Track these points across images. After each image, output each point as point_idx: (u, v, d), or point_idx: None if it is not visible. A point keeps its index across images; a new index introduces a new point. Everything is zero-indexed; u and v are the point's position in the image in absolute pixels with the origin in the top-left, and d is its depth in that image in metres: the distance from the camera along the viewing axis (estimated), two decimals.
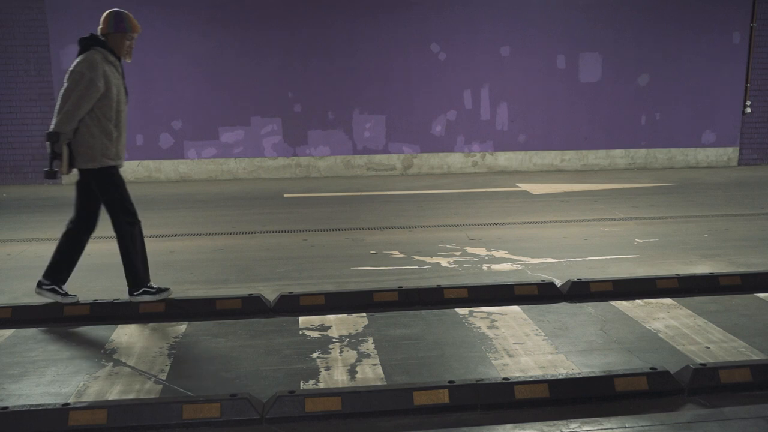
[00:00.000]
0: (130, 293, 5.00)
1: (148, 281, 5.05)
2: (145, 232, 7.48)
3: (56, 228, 7.78)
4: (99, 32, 4.86)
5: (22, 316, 4.81)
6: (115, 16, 4.83)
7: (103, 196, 4.89)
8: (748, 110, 12.67)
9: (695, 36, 12.28)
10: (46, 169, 4.66)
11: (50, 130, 4.65)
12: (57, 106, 4.66)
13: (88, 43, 4.79)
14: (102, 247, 6.91)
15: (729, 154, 12.85)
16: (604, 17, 12.05)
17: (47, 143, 4.67)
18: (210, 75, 11.40)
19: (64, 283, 5.02)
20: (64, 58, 11.02)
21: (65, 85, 4.66)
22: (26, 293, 5.41)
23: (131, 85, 11.21)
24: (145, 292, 4.98)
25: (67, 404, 3.34)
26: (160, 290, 5.03)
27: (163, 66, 11.27)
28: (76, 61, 4.71)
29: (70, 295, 5.01)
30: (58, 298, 4.95)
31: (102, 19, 4.85)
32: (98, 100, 4.68)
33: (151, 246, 6.95)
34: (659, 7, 12.16)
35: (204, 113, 11.48)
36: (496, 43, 11.92)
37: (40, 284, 4.98)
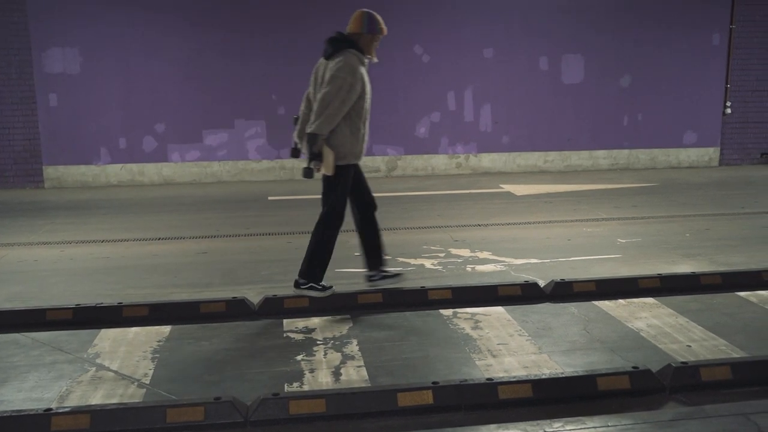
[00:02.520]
0: (296, 284, 5.02)
1: (321, 280, 5.04)
2: (127, 236, 7.50)
3: (39, 233, 7.74)
4: (348, 32, 4.94)
5: (4, 321, 4.76)
6: (368, 18, 4.93)
7: (329, 187, 4.99)
8: (729, 111, 12.79)
9: (676, 37, 12.39)
10: (304, 167, 4.85)
11: (310, 132, 4.74)
12: (316, 108, 4.74)
13: (340, 45, 4.86)
14: (85, 251, 6.87)
15: (710, 154, 12.98)
16: (586, 19, 12.13)
17: (306, 144, 4.81)
18: (193, 78, 11.36)
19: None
20: (46, 61, 10.94)
21: (326, 88, 4.71)
22: (8, 298, 5.37)
23: (112, 87, 11.18)
24: (311, 287, 5.00)
25: (50, 410, 3.32)
26: (325, 288, 5.05)
27: (146, 68, 11.22)
28: (338, 65, 4.74)
29: (398, 274, 5.26)
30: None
31: (353, 19, 4.95)
32: (354, 102, 4.79)
33: (134, 250, 6.93)
34: (640, 9, 12.26)
35: (187, 116, 11.43)
36: (479, 44, 11.97)
37: (369, 278, 5.20)
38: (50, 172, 11.25)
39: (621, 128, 12.56)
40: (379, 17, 4.96)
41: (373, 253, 5.26)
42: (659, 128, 12.68)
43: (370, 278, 5.25)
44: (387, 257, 5.32)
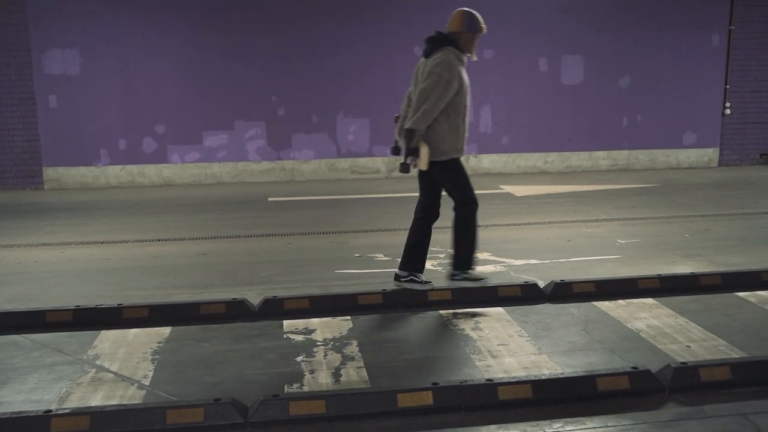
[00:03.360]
0: (452, 276, 5.14)
1: (470, 266, 5.16)
2: (127, 237, 7.51)
3: (38, 234, 7.75)
4: (448, 30, 4.99)
5: (4, 323, 4.76)
6: (469, 17, 4.97)
7: (446, 183, 5.07)
8: (728, 111, 12.80)
9: (675, 38, 12.40)
10: (401, 162, 4.94)
11: (407, 127, 4.85)
12: (413, 105, 4.87)
13: (440, 43, 4.92)
14: (85, 253, 6.87)
15: (709, 155, 12.98)
16: (585, 20, 12.14)
17: (403, 140, 4.92)
18: (193, 79, 11.36)
19: (421, 272, 5.21)
20: (46, 62, 10.95)
21: (423, 84, 4.81)
22: (8, 299, 5.37)
23: (112, 88, 11.19)
24: (466, 277, 5.12)
25: (49, 411, 3.32)
26: (478, 279, 5.16)
27: (145, 70, 11.22)
28: (435, 62, 4.83)
29: (428, 282, 5.21)
30: (417, 287, 5.14)
31: (453, 18, 4.99)
32: (451, 98, 4.84)
33: (134, 251, 6.93)
34: (640, 10, 12.26)
35: (187, 117, 11.44)
36: (478, 46, 11.80)
37: (397, 277, 5.21)
38: (50, 173, 11.26)
39: (620, 129, 12.57)
40: (479, 15, 5.02)
41: (415, 255, 5.25)
42: (659, 129, 12.69)
43: (398, 277, 5.24)
44: (423, 267, 5.29)
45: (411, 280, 5.20)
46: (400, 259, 5.30)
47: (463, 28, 4.97)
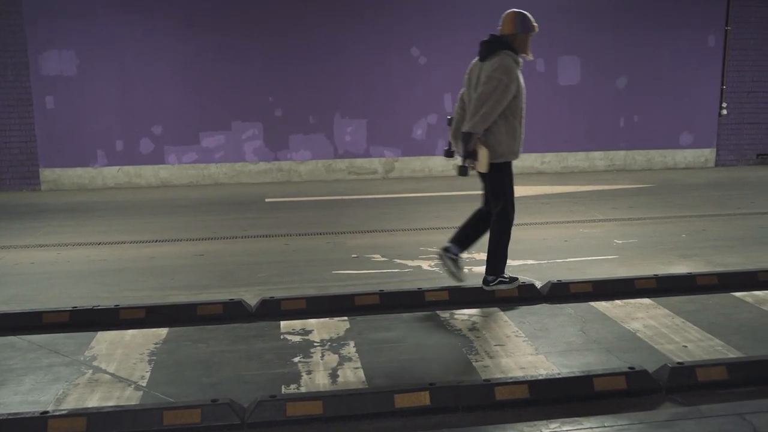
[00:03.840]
0: (485, 282, 5.17)
1: (503, 272, 5.21)
2: (124, 238, 7.50)
3: (35, 235, 7.74)
4: (502, 33, 5.05)
5: (0, 324, 4.75)
6: (521, 18, 5.06)
7: (495, 186, 5.11)
8: (724, 112, 12.83)
9: (672, 39, 12.42)
10: (459, 165, 5.03)
11: (465, 130, 4.91)
12: (471, 108, 4.92)
13: (495, 47, 4.97)
14: (82, 254, 6.86)
15: (706, 155, 13.01)
16: (582, 21, 12.15)
17: (461, 143, 4.98)
18: (190, 80, 11.36)
19: (463, 250, 5.29)
20: (42, 63, 10.94)
21: (482, 88, 4.85)
22: (4, 300, 5.36)
23: (109, 89, 11.17)
24: (500, 282, 5.16)
25: (46, 412, 3.31)
26: (512, 279, 5.22)
27: (142, 71, 11.22)
28: (494, 66, 4.88)
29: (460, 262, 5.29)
30: (451, 266, 5.23)
31: (505, 20, 5.07)
32: (509, 101, 4.90)
33: (131, 252, 6.93)
34: (637, 11, 12.29)
35: (184, 118, 11.43)
36: (476, 46, 11.89)
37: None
38: (47, 174, 11.25)
39: (617, 129, 12.59)
40: (529, 15, 5.07)
41: (466, 237, 5.33)
42: (655, 129, 12.71)
43: (446, 249, 5.27)
44: (466, 249, 5.39)
45: (453, 259, 5.24)
46: (451, 236, 5.37)
47: (516, 30, 5.04)
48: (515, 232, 7.55)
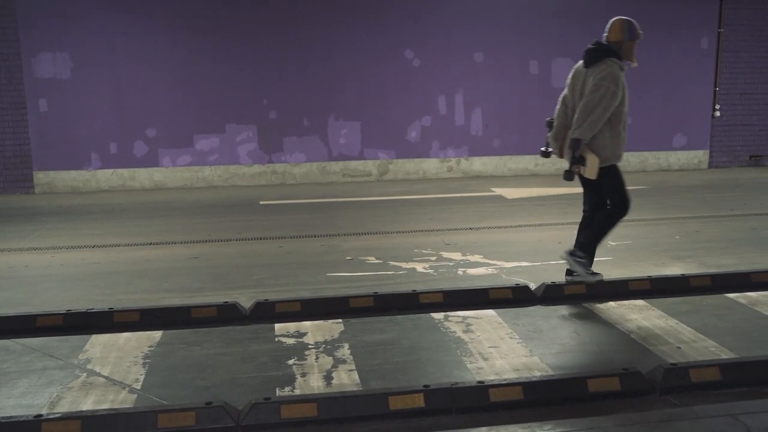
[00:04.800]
0: (572, 253, 5.27)
1: (590, 257, 5.29)
2: (118, 241, 7.49)
3: (29, 238, 7.71)
4: (608, 40, 5.12)
5: None
6: (628, 25, 5.13)
7: (607, 189, 5.23)
8: (718, 114, 12.88)
9: (665, 41, 12.47)
10: (566, 170, 5.13)
11: (573, 137, 5.03)
12: (578, 115, 5.02)
13: (601, 54, 5.05)
14: (76, 257, 6.85)
15: (699, 156, 13.05)
16: (575, 23, 12.18)
17: (569, 148, 5.10)
18: (184, 82, 11.35)
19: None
20: (36, 66, 10.91)
21: (590, 96, 4.96)
22: None
23: (103, 92, 11.16)
24: (582, 264, 5.23)
25: (40, 416, 3.31)
26: (594, 273, 5.28)
27: (136, 73, 11.20)
28: (602, 74, 4.96)
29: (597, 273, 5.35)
30: (584, 273, 5.27)
31: (612, 28, 5.14)
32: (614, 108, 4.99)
33: (125, 255, 6.92)
34: (629, 13, 12.28)
35: (178, 121, 11.42)
36: (469, 49, 12.01)
37: (572, 253, 5.28)
38: (41, 177, 11.22)
39: None
40: (635, 22, 5.14)
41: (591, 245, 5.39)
42: (649, 131, 12.75)
43: (572, 253, 5.32)
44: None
45: (584, 265, 5.30)
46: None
47: (623, 37, 5.12)
48: (510, 234, 7.59)
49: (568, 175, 5.14)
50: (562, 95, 5.39)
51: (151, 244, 7.43)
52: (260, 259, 6.71)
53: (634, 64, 5.26)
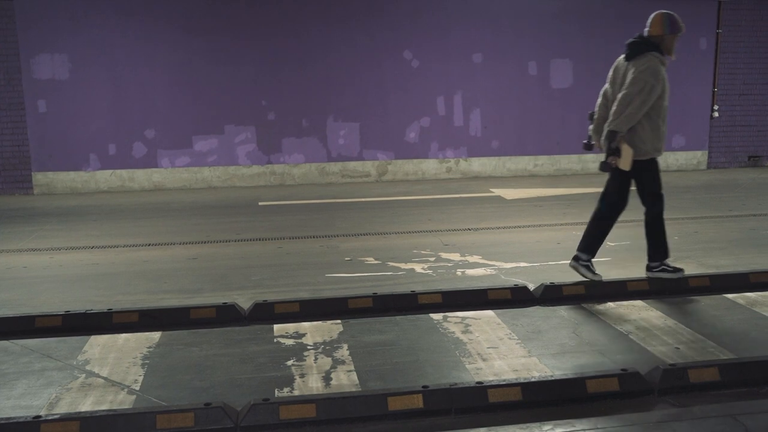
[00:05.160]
0: (649, 268, 5.37)
1: (667, 257, 5.44)
2: (117, 242, 7.49)
3: (28, 239, 7.71)
4: (649, 34, 5.14)
5: None
6: (669, 19, 5.12)
7: (642, 182, 5.35)
8: (716, 114, 12.89)
9: None
10: (602, 161, 5.24)
11: (610, 129, 5.09)
12: (615, 107, 5.06)
13: (642, 48, 5.08)
14: (75, 258, 6.84)
15: (698, 157, 13.06)
16: (574, 24, 12.20)
17: (605, 140, 5.16)
18: (183, 83, 11.35)
19: (593, 255, 5.49)
20: (35, 66, 10.91)
21: (628, 89, 5.00)
22: None
23: (101, 93, 11.16)
24: (663, 269, 5.34)
25: (39, 417, 3.31)
26: (676, 270, 5.37)
27: (135, 74, 11.20)
28: (641, 68, 5.00)
29: (597, 274, 5.43)
30: (589, 276, 5.41)
31: (654, 21, 5.13)
32: (653, 101, 5.04)
33: (124, 256, 6.91)
34: (628, 15, 12.33)
35: (177, 122, 11.42)
36: (468, 50, 12.01)
37: (577, 258, 5.45)
38: (39, 178, 11.21)
39: None
40: (676, 15, 5.15)
41: (592, 239, 5.52)
42: None
43: (577, 258, 5.47)
44: (595, 254, 5.55)
45: (588, 267, 5.42)
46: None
47: (664, 31, 5.13)
48: (509, 234, 7.59)
49: (604, 166, 5.24)
50: (603, 89, 5.46)
51: (149, 245, 7.43)
52: (259, 259, 6.71)
53: (673, 58, 5.29)
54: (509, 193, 10.44)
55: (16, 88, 10.93)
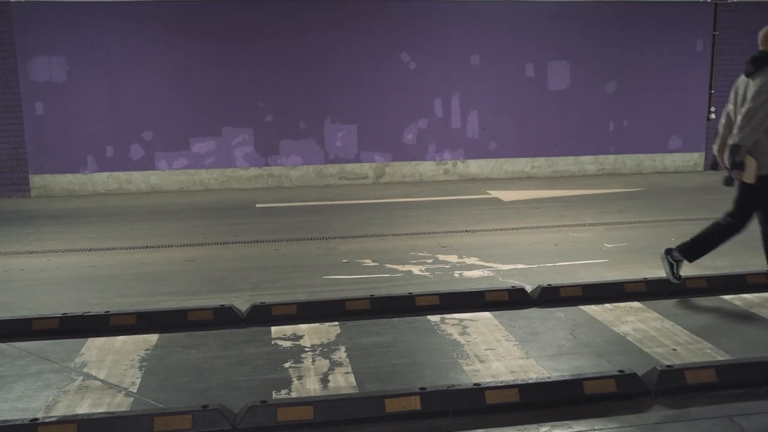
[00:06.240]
0: (668, 252, 5.41)
1: (690, 261, 5.42)
2: (114, 244, 7.48)
3: (25, 242, 7.70)
4: (765, 49, 5.14)
5: None
6: None
7: (757, 199, 5.20)
8: (713, 116, 12.90)
9: (660, 44, 12.50)
10: (725, 176, 5.29)
11: (733, 143, 5.08)
12: (740, 122, 5.04)
13: (762, 63, 5.09)
14: (72, 260, 6.84)
15: (695, 159, 13.08)
16: (571, 26, 12.21)
17: (729, 154, 5.15)
18: (180, 85, 11.35)
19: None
20: (32, 69, 10.90)
21: (750, 104, 5.01)
22: None
23: (99, 95, 11.15)
24: (674, 265, 5.37)
25: (36, 419, 3.30)
26: (679, 277, 5.39)
27: (132, 77, 11.19)
28: (763, 81, 5.00)
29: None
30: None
31: (763, 38, 5.15)
32: None
33: (121, 258, 6.91)
34: (625, 17, 12.36)
35: (175, 124, 11.41)
36: (465, 51, 12.02)
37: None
38: (36, 180, 11.20)
39: (607, 134, 12.64)
40: None
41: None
42: (645, 134, 12.77)
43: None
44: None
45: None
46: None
47: None
48: (506, 236, 7.61)
49: (728, 181, 5.27)
50: (725, 109, 5.46)
51: (147, 247, 7.43)
52: (256, 262, 6.71)
53: None
54: (507, 195, 10.45)
55: (13, 91, 10.91)
